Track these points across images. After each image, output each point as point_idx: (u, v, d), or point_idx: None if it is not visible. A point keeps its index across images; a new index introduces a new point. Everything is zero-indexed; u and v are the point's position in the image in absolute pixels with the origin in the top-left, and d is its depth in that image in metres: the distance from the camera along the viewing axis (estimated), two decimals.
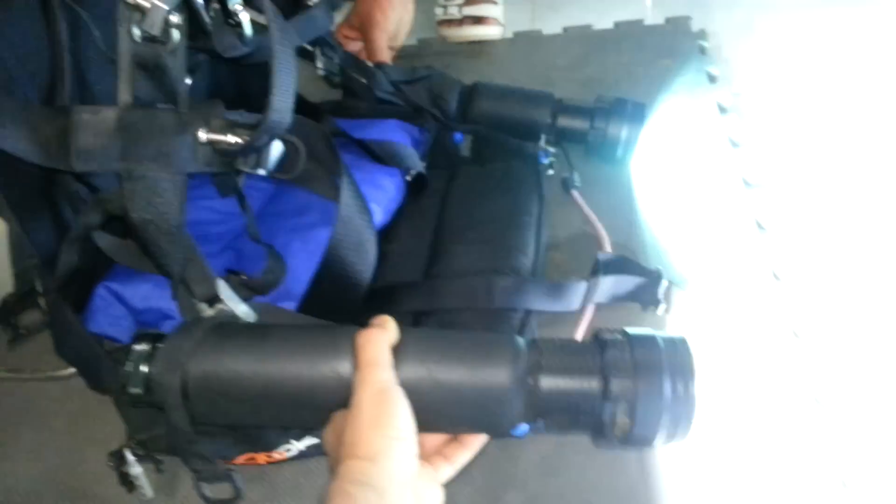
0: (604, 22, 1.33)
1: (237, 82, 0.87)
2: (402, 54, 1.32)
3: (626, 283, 0.77)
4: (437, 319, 0.73)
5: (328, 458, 0.51)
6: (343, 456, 0.46)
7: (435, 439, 0.56)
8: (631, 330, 0.54)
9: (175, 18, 0.52)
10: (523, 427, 0.53)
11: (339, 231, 0.64)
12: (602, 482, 0.70)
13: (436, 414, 0.51)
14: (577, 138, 0.96)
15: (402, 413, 0.48)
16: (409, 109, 0.98)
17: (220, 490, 0.58)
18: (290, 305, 0.65)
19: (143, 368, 0.52)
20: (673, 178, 0.98)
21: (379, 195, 0.80)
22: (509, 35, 1.35)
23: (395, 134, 0.90)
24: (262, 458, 0.69)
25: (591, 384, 0.51)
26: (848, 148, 1.04)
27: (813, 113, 1.10)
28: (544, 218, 0.87)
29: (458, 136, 0.98)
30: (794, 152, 1.05)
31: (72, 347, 0.62)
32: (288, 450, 0.68)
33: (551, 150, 0.96)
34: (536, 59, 1.29)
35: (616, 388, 0.51)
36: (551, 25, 1.36)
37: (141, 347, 0.53)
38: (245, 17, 0.66)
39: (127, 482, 0.66)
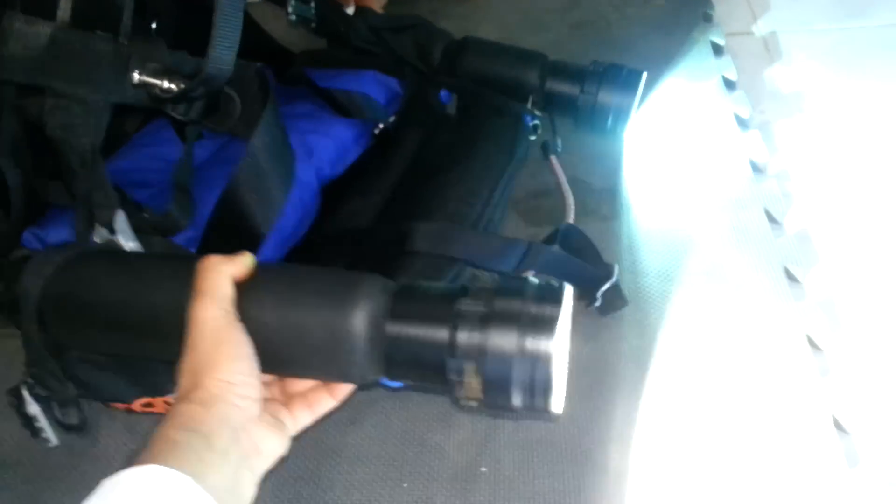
0: None
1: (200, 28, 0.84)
2: (389, 0, 1.29)
3: (573, 265, 0.72)
4: (363, 269, 0.69)
5: None
6: (178, 398, 0.43)
7: (303, 383, 0.52)
8: (507, 276, 0.48)
9: None
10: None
11: (243, 170, 0.60)
12: None
13: (283, 356, 0.46)
14: (565, 103, 0.89)
15: (240, 354, 0.44)
16: (390, 61, 0.95)
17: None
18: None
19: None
20: (670, 160, 0.92)
21: (329, 145, 0.78)
22: None
23: (367, 85, 0.87)
24: (160, 404, 0.66)
25: (438, 335, 0.45)
26: (864, 131, 1.00)
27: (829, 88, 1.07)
28: (510, 175, 0.83)
29: (444, 94, 0.94)
30: (809, 133, 1.01)
31: None
32: None
33: (537, 113, 0.90)
34: (525, 1, 1.25)
35: (462, 341, 0.44)
36: None
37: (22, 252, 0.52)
38: None
39: (30, 426, 0.62)
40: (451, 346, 0.44)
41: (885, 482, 0.64)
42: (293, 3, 0.88)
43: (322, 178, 0.78)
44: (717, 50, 1.08)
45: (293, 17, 0.88)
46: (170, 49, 0.62)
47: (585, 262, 0.72)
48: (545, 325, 0.44)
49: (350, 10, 0.95)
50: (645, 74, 0.88)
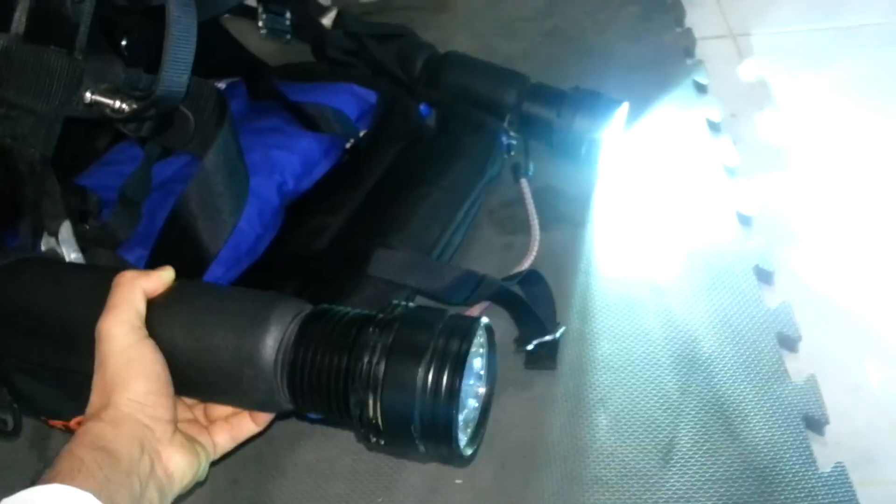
0: None
1: None
2: (363, 11, 1.29)
3: (522, 307, 0.73)
4: (316, 290, 0.69)
5: None
6: (87, 415, 0.42)
7: (226, 408, 0.50)
8: (423, 307, 0.46)
9: None
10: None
11: (192, 190, 0.60)
12: None
13: (192, 378, 0.45)
14: (541, 126, 0.90)
15: (151, 373, 0.43)
16: (367, 73, 0.95)
17: None
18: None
19: None
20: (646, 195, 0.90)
21: (294, 161, 0.79)
22: None
23: (341, 99, 0.87)
24: None
25: (337, 363, 0.42)
26: (833, 130, 1.01)
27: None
28: (478, 194, 0.84)
29: (425, 108, 0.94)
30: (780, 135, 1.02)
31: None
32: None
33: (513, 133, 0.91)
34: (501, 10, 1.26)
35: (362, 371, 0.41)
36: None
37: None
38: None
39: None
40: (351, 375, 0.42)
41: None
42: (265, 16, 0.88)
43: (285, 193, 0.78)
44: (689, 53, 1.09)
45: (264, 32, 0.88)
46: (139, 66, 0.62)
47: (537, 311, 0.72)
48: (451, 360, 0.41)
49: (328, 21, 0.95)
50: (625, 105, 0.88)
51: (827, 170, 0.91)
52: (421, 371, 0.41)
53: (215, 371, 0.44)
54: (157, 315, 0.45)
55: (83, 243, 0.58)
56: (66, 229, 0.56)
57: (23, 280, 0.50)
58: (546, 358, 0.72)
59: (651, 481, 0.65)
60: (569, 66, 1.10)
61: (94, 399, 0.43)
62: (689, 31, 1.12)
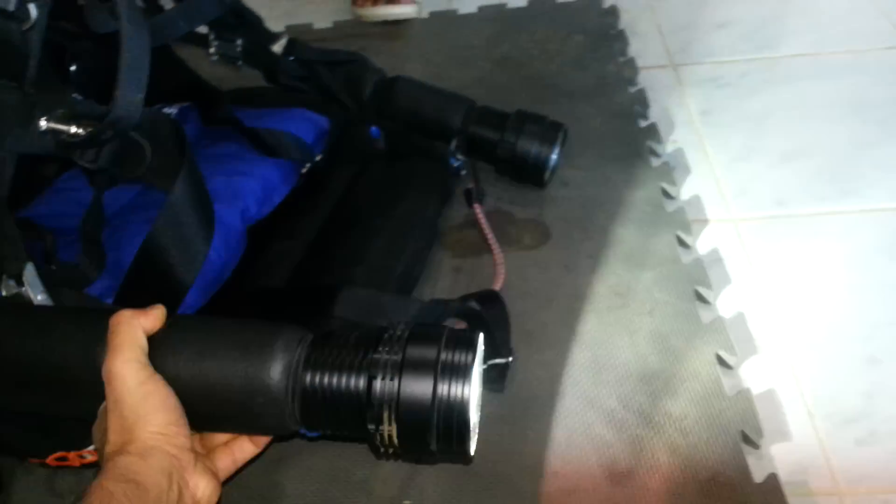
0: (518, 0, 1.34)
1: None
2: (317, 38, 1.31)
3: (481, 327, 0.73)
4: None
5: (98, 456, 0.46)
6: (110, 452, 0.43)
7: (224, 434, 0.52)
8: (420, 325, 0.49)
9: None
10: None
11: (161, 223, 0.60)
12: None
13: (199, 410, 0.46)
14: (486, 148, 0.93)
15: (168, 405, 0.44)
16: (318, 98, 0.97)
17: None
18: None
19: None
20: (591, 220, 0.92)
21: (255, 187, 0.79)
22: (425, 15, 1.35)
23: (294, 124, 0.88)
24: (73, 458, 0.64)
25: (354, 383, 0.45)
26: (769, 145, 1.06)
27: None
28: (438, 222, 0.86)
29: (375, 130, 0.96)
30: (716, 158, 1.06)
31: None
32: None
33: (459, 156, 0.93)
34: (452, 38, 1.29)
35: (379, 389, 0.44)
36: (467, 5, 1.35)
37: None
38: None
39: None
40: (368, 394, 0.45)
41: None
42: (216, 43, 0.89)
43: (247, 219, 0.79)
44: (632, 82, 1.13)
45: (215, 58, 0.89)
46: (88, 92, 0.62)
47: (494, 332, 0.74)
48: (460, 371, 0.45)
49: (278, 48, 0.96)
50: (566, 127, 0.92)
51: (762, 191, 0.95)
52: (433, 383, 0.44)
53: (224, 401, 0.45)
54: (159, 352, 0.46)
55: (49, 284, 0.56)
56: (30, 271, 0.55)
57: None
58: (496, 380, 0.74)
59: (597, 496, 0.67)
60: (517, 93, 1.13)
61: (113, 438, 0.43)
62: (631, 61, 1.17)
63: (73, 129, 0.53)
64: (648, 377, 0.75)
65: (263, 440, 0.52)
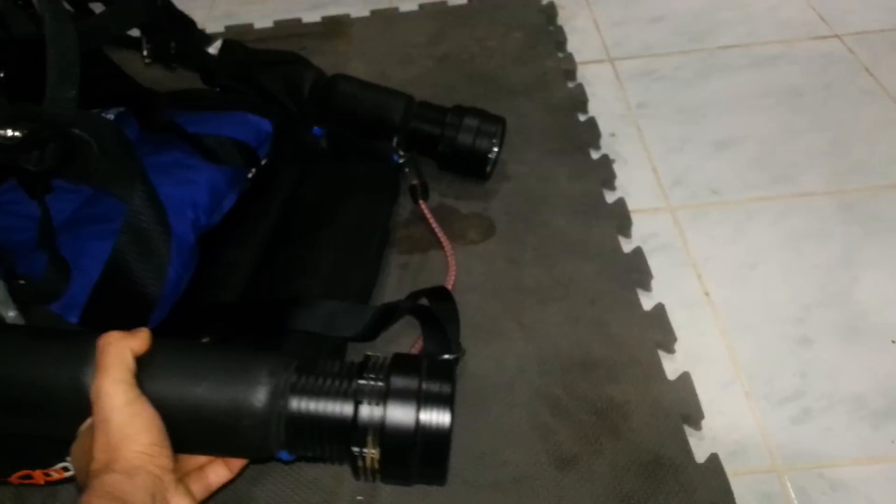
0: None
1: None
2: (258, 38, 1.30)
3: (431, 323, 0.75)
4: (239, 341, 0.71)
5: (76, 475, 0.48)
6: (95, 470, 0.44)
7: (199, 458, 0.53)
8: (400, 354, 0.52)
9: None
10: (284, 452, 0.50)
11: (124, 239, 0.60)
12: None
13: (183, 432, 0.47)
14: (427, 143, 0.94)
15: (152, 426, 0.45)
16: (257, 99, 0.96)
17: None
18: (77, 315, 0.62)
19: None
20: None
21: (203, 195, 0.78)
22: (366, 13, 1.35)
23: (235, 128, 0.87)
24: (39, 476, 0.64)
25: (341, 409, 0.48)
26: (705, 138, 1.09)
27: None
28: (389, 224, 0.87)
29: (316, 129, 0.95)
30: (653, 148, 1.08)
31: None
32: (66, 468, 0.63)
33: (401, 153, 0.94)
34: (394, 36, 1.29)
35: (365, 415, 0.47)
36: (407, 3, 1.36)
37: None
38: None
39: None
40: (354, 420, 0.47)
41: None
42: (148, 45, 0.88)
43: (199, 229, 0.78)
44: (570, 77, 1.14)
45: (149, 61, 0.88)
46: (22, 99, 0.61)
47: (444, 329, 0.75)
48: (441, 400, 0.48)
49: (214, 49, 0.96)
50: (505, 120, 0.93)
51: (697, 180, 0.98)
52: (416, 411, 0.48)
53: (209, 422, 0.47)
54: (146, 373, 0.47)
55: (19, 301, 0.56)
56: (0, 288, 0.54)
57: None
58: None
59: (545, 483, 0.68)
60: (459, 90, 1.14)
61: (99, 456, 0.44)
62: (570, 56, 1.19)
63: (10, 133, 0.52)
64: (591, 365, 0.77)
65: (238, 465, 0.53)
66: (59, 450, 0.62)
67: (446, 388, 0.49)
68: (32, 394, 0.47)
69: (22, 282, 0.58)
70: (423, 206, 0.93)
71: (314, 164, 0.93)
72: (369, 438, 0.47)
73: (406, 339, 0.78)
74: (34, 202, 0.70)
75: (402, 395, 0.48)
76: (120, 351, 0.46)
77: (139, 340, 0.47)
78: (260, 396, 0.47)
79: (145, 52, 0.87)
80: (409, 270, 0.88)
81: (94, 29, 0.72)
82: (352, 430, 0.47)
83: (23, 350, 0.48)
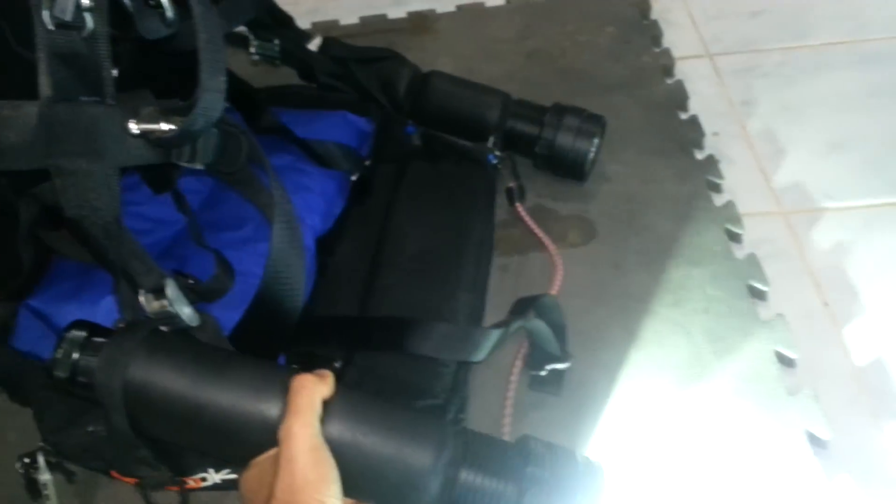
0: None
1: (167, 73, 0.83)
2: (344, 34, 1.29)
3: (543, 336, 0.74)
4: (366, 356, 0.71)
5: (241, 501, 0.49)
6: None
7: None
8: (555, 445, 0.54)
9: (87, 1, 0.49)
10: None
11: (272, 268, 0.59)
12: None
13: (353, 481, 0.48)
14: (525, 143, 0.91)
15: (332, 477, 0.47)
16: (355, 97, 0.95)
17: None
18: (234, 316, 0.62)
19: (75, 355, 0.49)
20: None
21: (319, 201, 0.78)
22: (452, 8, 1.33)
23: (338, 130, 0.86)
24: (190, 483, 0.65)
25: (508, 490, 0.50)
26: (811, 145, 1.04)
27: None
28: (491, 235, 0.86)
29: (410, 127, 0.94)
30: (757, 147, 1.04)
31: None
32: (204, 478, 0.65)
33: (497, 153, 0.92)
34: (480, 32, 1.27)
35: (530, 501, 0.50)
36: None
37: (75, 334, 0.50)
38: None
39: (34, 489, 0.62)
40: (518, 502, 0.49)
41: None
42: (255, 42, 0.88)
43: (316, 237, 0.77)
44: (668, 73, 1.11)
45: (256, 58, 0.88)
46: None
47: (553, 338, 0.73)
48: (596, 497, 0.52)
49: (314, 46, 0.95)
50: (605, 120, 0.90)
51: (810, 183, 0.93)
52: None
53: (381, 479, 0.49)
54: (326, 417, 0.48)
55: (190, 298, 0.56)
56: (171, 287, 0.53)
57: (173, 363, 0.50)
58: (552, 383, 0.73)
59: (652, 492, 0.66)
60: (550, 86, 1.11)
61: (280, 495, 0.45)
62: (667, 51, 1.15)
63: (165, 126, 0.51)
64: (706, 376, 0.74)
65: None
66: (203, 462, 0.64)
67: (601, 487, 0.53)
68: (228, 421, 0.49)
69: (191, 281, 0.58)
70: (520, 209, 0.91)
71: (409, 163, 0.92)
72: None
73: (509, 343, 0.76)
74: (152, 203, 0.70)
75: (566, 490, 0.51)
76: (312, 395, 0.47)
77: (328, 388, 0.49)
78: (429, 459, 0.49)
79: (252, 50, 0.86)
80: (509, 273, 0.86)
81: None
82: None
83: (223, 376, 0.49)
